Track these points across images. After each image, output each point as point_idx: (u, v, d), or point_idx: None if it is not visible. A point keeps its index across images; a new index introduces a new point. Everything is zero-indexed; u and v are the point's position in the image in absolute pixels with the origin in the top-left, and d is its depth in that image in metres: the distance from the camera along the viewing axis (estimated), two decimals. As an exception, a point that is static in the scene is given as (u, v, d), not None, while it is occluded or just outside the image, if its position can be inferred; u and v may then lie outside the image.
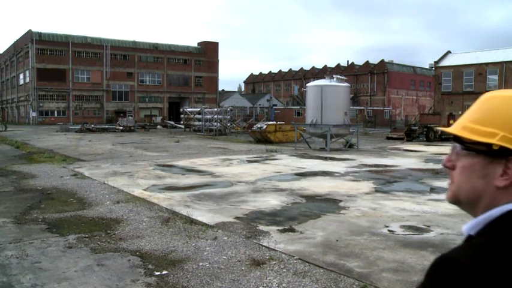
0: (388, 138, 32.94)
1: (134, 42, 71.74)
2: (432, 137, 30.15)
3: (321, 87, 22.36)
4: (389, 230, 6.77)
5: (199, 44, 78.28)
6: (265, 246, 5.85)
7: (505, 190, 0.96)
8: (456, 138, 1.02)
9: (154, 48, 73.10)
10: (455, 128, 1.02)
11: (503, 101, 0.99)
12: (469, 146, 0.99)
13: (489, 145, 0.96)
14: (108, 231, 6.55)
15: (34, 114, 63.09)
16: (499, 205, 0.97)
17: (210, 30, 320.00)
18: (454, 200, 1.07)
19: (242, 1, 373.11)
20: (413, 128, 32.59)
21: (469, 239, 1.02)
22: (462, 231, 1.06)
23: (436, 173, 13.74)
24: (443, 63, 54.31)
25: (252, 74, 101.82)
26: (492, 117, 0.97)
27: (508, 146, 0.94)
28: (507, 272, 0.85)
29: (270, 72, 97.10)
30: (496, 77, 49.38)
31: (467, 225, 1.05)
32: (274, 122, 31.89)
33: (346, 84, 23.37)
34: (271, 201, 8.87)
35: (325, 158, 18.06)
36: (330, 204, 8.82)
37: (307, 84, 24.47)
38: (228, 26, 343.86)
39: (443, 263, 0.90)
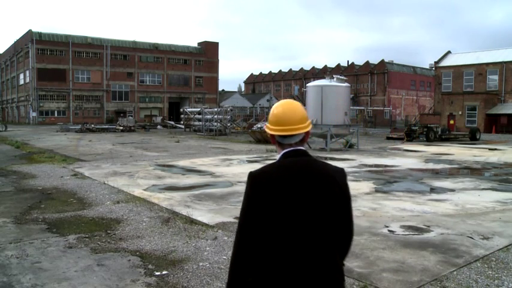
0: (388, 138, 32.96)
1: (134, 42, 71.78)
2: (432, 137, 30.16)
3: (321, 87, 22.37)
4: (389, 230, 6.77)
5: (199, 44, 78.34)
6: (265, 246, 5.83)
7: (278, 149, 2.04)
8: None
9: (154, 48, 73.15)
10: (306, 127, 2.03)
11: (300, 106, 2.05)
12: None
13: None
14: (108, 231, 6.55)
15: (34, 114, 63.12)
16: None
17: (209, 30, 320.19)
18: None
19: (242, 1, 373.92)
20: (413, 128, 32.59)
21: None
22: None
23: (436, 173, 13.74)
24: (444, 63, 54.33)
25: (252, 74, 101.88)
26: (304, 116, 2.04)
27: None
28: (265, 173, 1.97)
29: (270, 72, 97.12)
30: (496, 77, 49.41)
31: None
32: (274, 122, 31.83)
33: (346, 84, 23.37)
34: (271, 201, 8.85)
35: (325, 158, 18.05)
36: (330, 204, 8.80)
37: (308, 84, 24.49)
38: (228, 25, 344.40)
39: (248, 174, 1.98)
